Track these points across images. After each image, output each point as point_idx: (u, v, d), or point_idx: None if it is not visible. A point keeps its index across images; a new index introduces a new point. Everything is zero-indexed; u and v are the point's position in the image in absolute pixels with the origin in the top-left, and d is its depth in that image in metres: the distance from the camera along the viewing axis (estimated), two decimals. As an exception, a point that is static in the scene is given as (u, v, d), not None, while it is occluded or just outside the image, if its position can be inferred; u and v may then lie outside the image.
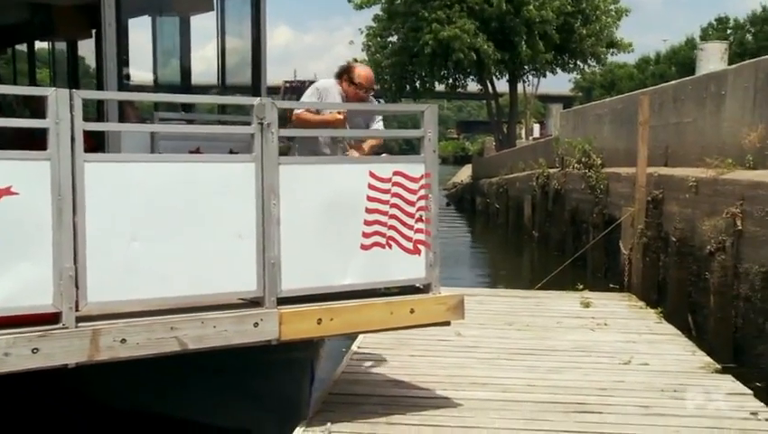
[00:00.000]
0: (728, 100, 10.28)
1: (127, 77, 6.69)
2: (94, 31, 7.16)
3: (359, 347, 7.18)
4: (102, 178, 4.25)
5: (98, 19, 6.23)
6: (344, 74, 6.03)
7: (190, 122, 7.12)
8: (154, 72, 7.87)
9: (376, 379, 6.35)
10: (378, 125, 6.18)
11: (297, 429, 5.08)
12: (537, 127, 52.69)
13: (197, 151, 5.68)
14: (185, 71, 7.73)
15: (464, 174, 46.55)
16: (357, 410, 5.44)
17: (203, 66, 7.98)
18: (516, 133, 44.59)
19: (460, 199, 39.42)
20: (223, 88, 7.70)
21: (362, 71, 6.07)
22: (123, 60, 6.38)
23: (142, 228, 4.36)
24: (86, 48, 8.01)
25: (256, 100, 4.72)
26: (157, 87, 7.82)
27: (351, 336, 7.19)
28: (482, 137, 59.28)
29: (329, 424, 5.11)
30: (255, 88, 7.35)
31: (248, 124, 4.72)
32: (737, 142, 9.52)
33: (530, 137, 46.34)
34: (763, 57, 10.10)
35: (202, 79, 8.17)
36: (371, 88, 6.07)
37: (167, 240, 4.44)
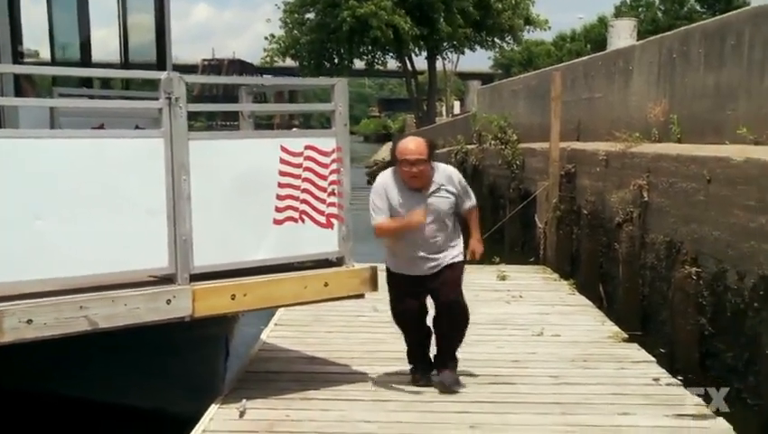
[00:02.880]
0: (635, 76, 10.55)
1: (22, 55, 6.39)
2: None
3: (275, 325, 7.17)
4: (0, 155, 4.11)
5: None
6: (394, 159, 5.38)
7: (91, 98, 6.88)
8: (51, 48, 7.46)
9: (292, 356, 6.35)
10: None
11: (212, 406, 5.05)
12: (457, 105, 53.07)
13: (101, 127, 5.54)
14: (85, 47, 7.40)
15: (386, 152, 46.53)
16: (272, 387, 5.45)
17: (106, 43, 7.67)
18: (436, 110, 44.87)
19: (381, 176, 39.40)
20: (126, 64, 7.46)
21: (400, 146, 5.39)
22: (16, 35, 6.11)
23: (45, 206, 4.24)
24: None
25: (163, 74, 4.64)
26: (54, 64, 7.47)
27: (269, 313, 7.17)
28: (403, 115, 59.42)
29: (244, 401, 5.09)
30: (160, 64, 7.13)
31: (155, 99, 4.63)
32: (644, 116, 9.80)
33: (450, 114, 46.67)
34: (666, 33, 10.39)
35: (103, 56, 7.82)
36: (417, 154, 5.28)
37: (73, 219, 4.33)
